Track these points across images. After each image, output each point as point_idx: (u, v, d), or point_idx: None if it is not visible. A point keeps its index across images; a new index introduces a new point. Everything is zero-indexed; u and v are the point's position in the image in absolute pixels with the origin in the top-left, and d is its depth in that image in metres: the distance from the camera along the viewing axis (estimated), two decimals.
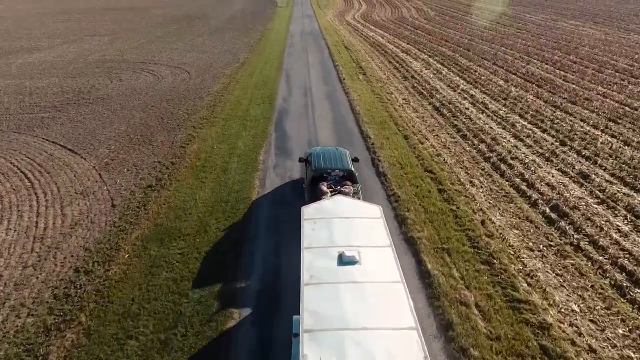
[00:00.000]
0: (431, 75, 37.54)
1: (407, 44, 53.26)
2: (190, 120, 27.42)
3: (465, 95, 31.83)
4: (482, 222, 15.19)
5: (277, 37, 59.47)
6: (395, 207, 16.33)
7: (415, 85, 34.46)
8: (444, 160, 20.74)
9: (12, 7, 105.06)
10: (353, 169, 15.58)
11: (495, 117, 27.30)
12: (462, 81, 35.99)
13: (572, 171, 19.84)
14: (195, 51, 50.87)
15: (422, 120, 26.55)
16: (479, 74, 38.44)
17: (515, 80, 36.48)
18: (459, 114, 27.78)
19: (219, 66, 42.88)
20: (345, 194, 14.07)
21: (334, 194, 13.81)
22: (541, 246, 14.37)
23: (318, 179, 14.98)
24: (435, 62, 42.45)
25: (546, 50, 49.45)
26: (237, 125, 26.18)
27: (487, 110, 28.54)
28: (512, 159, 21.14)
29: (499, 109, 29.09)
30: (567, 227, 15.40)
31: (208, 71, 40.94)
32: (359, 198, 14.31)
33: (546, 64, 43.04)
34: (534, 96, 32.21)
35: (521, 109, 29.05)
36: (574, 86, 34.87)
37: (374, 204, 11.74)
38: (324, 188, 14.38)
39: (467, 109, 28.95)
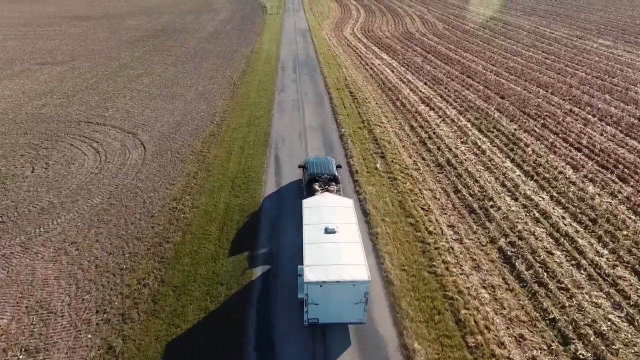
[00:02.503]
0: (473, 159, 26.83)
1: (425, 84, 42.24)
2: (121, 289, 16.60)
3: (536, 212, 21.25)
4: None
5: (265, 70, 48.03)
6: None
7: (458, 185, 23.73)
8: None
9: None
10: (337, 174, 21.33)
11: (606, 285, 16.83)
12: (518, 171, 25.31)
13: None
14: (162, 96, 39.42)
15: (496, 300, 15.95)
16: (533, 151, 27.80)
17: (587, 167, 25.91)
18: (546, 275, 17.19)
19: (187, 130, 31.71)
20: (331, 191, 19.93)
21: (323, 191, 19.64)
22: None
23: (313, 181, 20.67)
24: (470, 127, 31.61)
25: (595, 95, 38.89)
26: (193, 315, 15.44)
27: (583, 260, 18.02)
28: None
29: (598, 252, 18.62)
30: None
31: (171, 142, 29.81)
32: (339, 194, 20.24)
33: (607, 124, 32.55)
34: (628, 209, 21.78)
35: (629, 251, 18.63)
36: None
37: (348, 198, 18.07)
38: (317, 187, 20.18)
39: (551, 253, 18.39)
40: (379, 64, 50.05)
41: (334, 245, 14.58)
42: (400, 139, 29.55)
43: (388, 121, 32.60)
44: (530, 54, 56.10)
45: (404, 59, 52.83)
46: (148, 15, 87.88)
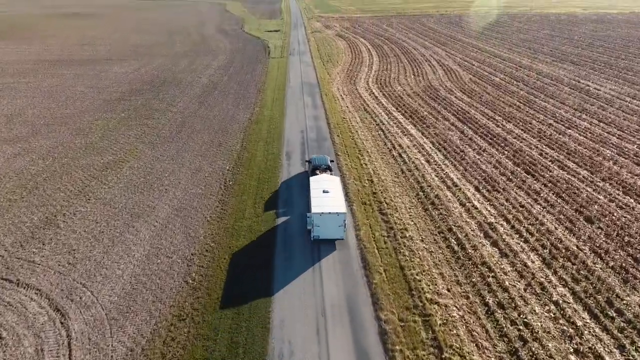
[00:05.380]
0: None
1: (476, 189, 30.88)
2: None
3: None
4: None
5: (265, 159, 36.73)
6: None
7: None
8: None
9: None
10: (330, 165, 30.80)
11: None
12: None
13: None
14: (125, 212, 28.11)
15: None
16: None
17: None
18: None
19: (145, 303, 20.26)
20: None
21: (322, 173, 29.53)
22: None
23: (315, 169, 30.24)
24: (573, 303, 19.89)
25: None
26: None
27: None
28: None
29: None
30: None
31: (115, 338, 18.43)
32: (332, 175, 29.93)
33: None
34: None
35: None
36: None
37: (336, 176, 29.25)
38: (317, 172, 29.70)
39: None
40: (408, 146, 38.89)
41: (328, 198, 25.18)
42: (476, 343, 18.02)
43: (448, 289, 21.10)
44: (586, 124, 45.02)
45: (437, 134, 41.72)
46: (138, 60, 77.20)
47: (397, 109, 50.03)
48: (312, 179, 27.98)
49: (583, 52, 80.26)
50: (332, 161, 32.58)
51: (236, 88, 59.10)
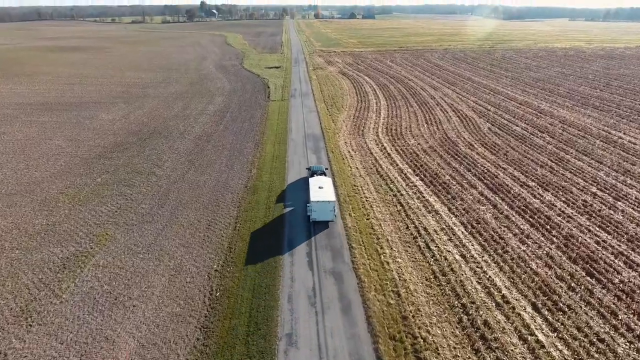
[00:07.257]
0: None
1: (534, 307, 23.38)
2: None
3: None
4: None
5: (261, 252, 29.49)
6: None
7: None
8: None
9: None
10: (324, 171, 39.79)
11: None
12: None
13: None
14: (74, 352, 20.57)
15: None
16: None
17: None
18: None
19: None
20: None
21: (318, 176, 38.13)
22: None
23: (313, 173, 38.90)
24: None
25: None
26: None
27: None
28: None
29: None
30: None
31: None
32: (326, 177, 38.34)
33: None
34: None
35: None
36: None
37: (329, 178, 38.31)
38: (316, 176, 38.05)
39: None
40: (435, 230, 31.59)
41: (322, 192, 32.97)
42: None
43: None
44: (636, 193, 37.95)
45: (466, 211, 34.49)
46: (128, 103, 70.65)
47: (414, 170, 43.01)
48: (311, 179, 36.35)
49: (603, 94, 74.11)
50: (326, 169, 41.82)
51: (232, 140, 52.24)
